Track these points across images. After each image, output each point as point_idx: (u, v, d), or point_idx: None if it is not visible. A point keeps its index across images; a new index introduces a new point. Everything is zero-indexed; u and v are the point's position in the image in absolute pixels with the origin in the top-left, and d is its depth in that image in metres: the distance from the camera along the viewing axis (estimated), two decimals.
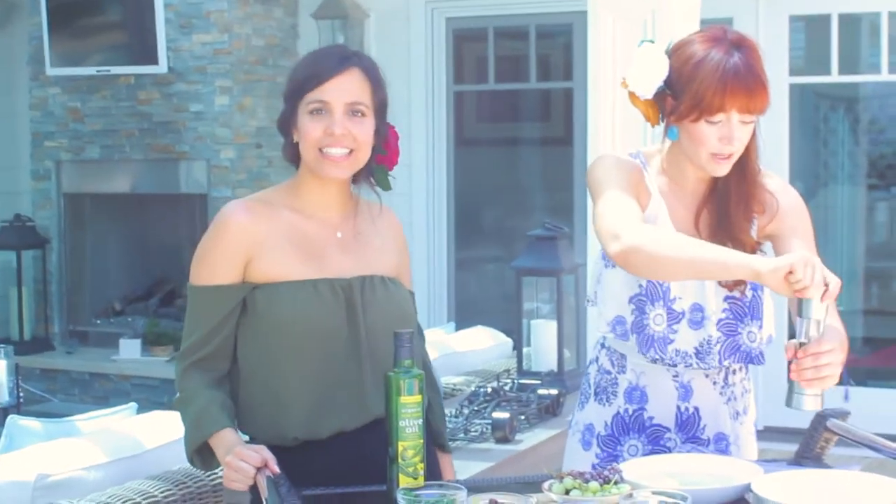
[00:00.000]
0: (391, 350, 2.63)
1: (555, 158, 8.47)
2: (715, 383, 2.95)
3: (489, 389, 4.54)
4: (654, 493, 2.28)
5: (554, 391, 4.56)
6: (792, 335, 2.56)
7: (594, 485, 2.41)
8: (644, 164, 2.95)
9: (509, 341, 6.05)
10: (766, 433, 7.35)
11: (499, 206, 8.67)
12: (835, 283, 2.49)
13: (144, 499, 3.40)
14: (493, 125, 8.85)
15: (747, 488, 2.47)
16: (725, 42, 2.76)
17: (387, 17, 8.17)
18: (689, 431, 2.95)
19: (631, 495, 2.29)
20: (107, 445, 3.68)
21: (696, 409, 2.94)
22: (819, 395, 2.57)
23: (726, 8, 7.24)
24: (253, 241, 2.78)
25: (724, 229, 2.86)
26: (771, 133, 7.39)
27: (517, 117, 8.93)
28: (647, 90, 2.86)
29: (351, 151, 2.79)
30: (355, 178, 2.89)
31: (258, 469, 2.60)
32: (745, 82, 2.72)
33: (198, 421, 2.77)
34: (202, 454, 2.78)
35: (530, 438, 4.19)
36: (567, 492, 2.41)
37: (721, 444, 2.96)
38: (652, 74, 2.85)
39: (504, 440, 4.03)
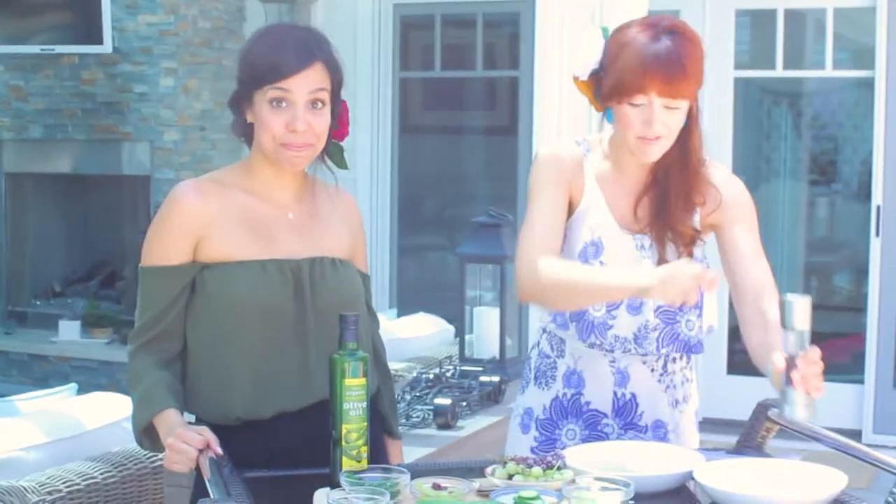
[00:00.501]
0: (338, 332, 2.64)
1: (500, 147, 8.47)
2: (653, 370, 2.97)
3: (431, 376, 4.55)
4: (596, 479, 2.29)
5: (496, 378, 4.58)
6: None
7: (537, 470, 2.42)
8: (587, 152, 2.97)
9: (451, 328, 6.05)
10: (703, 424, 7.41)
11: (443, 193, 8.67)
12: (709, 278, 2.56)
13: (83, 480, 3.37)
14: (438, 113, 8.84)
15: (689, 476, 2.50)
16: (658, 28, 2.78)
17: (334, 2, 8.13)
18: (626, 417, 2.97)
19: (573, 481, 2.31)
20: (46, 426, 3.65)
21: (633, 395, 2.96)
22: (814, 401, 2.57)
23: (672, 1, 7.27)
24: (203, 221, 2.77)
25: (661, 219, 2.88)
26: (715, 126, 7.49)
27: (463, 105, 8.92)
28: (583, 71, 2.90)
29: (311, 144, 2.78)
30: None
31: (200, 450, 2.59)
32: (664, 65, 2.73)
33: (143, 401, 2.76)
34: (150, 435, 2.77)
35: (472, 425, 4.20)
36: (510, 477, 2.42)
37: (659, 432, 2.98)
38: (588, 56, 2.89)
39: (446, 426, 4.03)
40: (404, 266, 8.42)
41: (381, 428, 3.00)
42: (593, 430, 2.97)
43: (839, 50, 7.45)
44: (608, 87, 2.82)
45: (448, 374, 4.65)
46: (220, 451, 2.58)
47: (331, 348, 2.68)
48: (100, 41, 7.99)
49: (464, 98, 8.89)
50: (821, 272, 8.30)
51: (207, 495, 2.46)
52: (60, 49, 8.22)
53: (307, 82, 2.74)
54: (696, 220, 2.91)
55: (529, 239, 2.87)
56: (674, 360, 2.99)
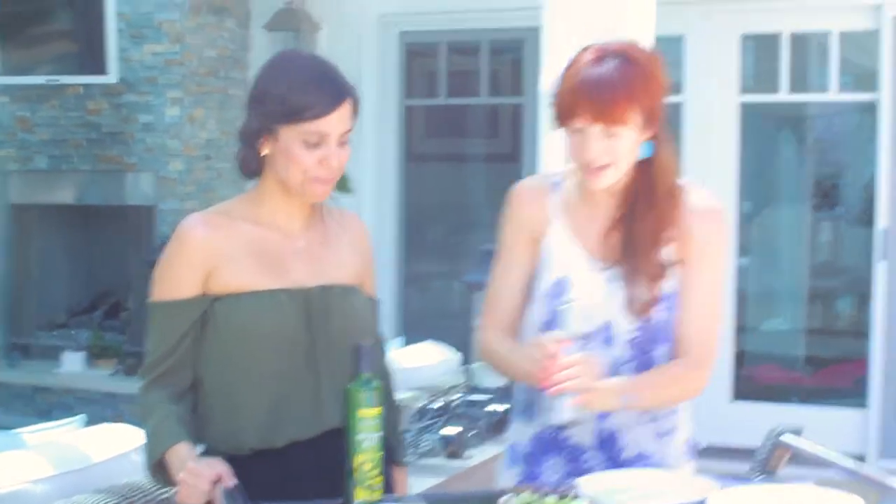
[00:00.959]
0: (349, 360, 2.63)
1: (504, 174, 8.46)
2: None
3: (438, 405, 4.53)
4: None
5: (502, 407, 4.55)
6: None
7: (551, 499, 2.41)
8: (557, 185, 2.93)
9: (458, 356, 6.03)
10: (708, 451, 7.38)
11: (448, 221, 8.67)
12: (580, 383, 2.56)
13: None
14: (443, 140, 8.84)
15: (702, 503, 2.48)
16: (606, 51, 2.73)
17: (339, 30, 8.14)
18: (609, 451, 2.91)
19: None
20: (53, 458, 3.64)
21: (615, 429, 2.90)
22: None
23: (678, 26, 7.28)
24: (212, 254, 2.77)
25: (627, 256, 2.83)
26: (720, 150, 7.49)
27: (467, 132, 8.93)
28: (549, 94, 2.85)
29: (335, 177, 2.80)
30: None
31: (213, 483, 2.58)
32: (597, 90, 2.67)
33: (155, 436, 2.76)
34: (162, 469, 2.76)
35: (480, 454, 4.19)
36: None
37: (644, 465, 2.90)
38: (552, 78, 2.85)
39: (455, 456, 4.02)
40: (410, 294, 8.41)
41: (386, 456, 2.99)
42: (575, 464, 2.91)
43: (843, 73, 7.44)
44: (553, 111, 2.79)
45: (455, 404, 4.63)
46: (232, 482, 2.57)
47: (342, 376, 2.68)
48: (105, 71, 7.99)
49: (468, 125, 8.90)
50: (825, 297, 8.28)
51: None
52: (66, 80, 8.22)
53: (340, 122, 2.75)
54: (668, 254, 2.84)
55: (487, 306, 2.95)
56: None
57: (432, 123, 8.76)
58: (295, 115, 2.73)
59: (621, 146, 2.73)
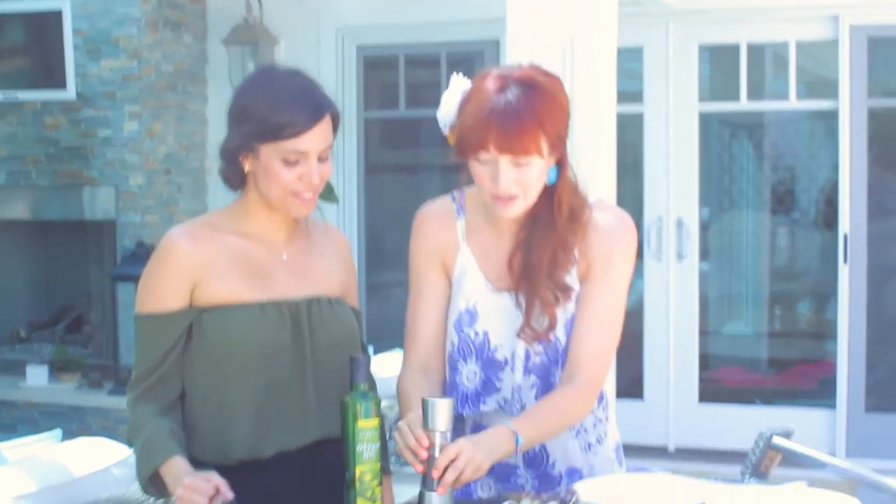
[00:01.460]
0: (336, 371, 2.71)
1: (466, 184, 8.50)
2: None
3: None
4: None
5: None
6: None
7: None
8: (460, 210, 2.91)
9: None
10: (676, 453, 7.46)
11: (409, 231, 8.66)
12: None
13: None
14: (402, 151, 8.85)
15: None
16: (509, 79, 2.68)
17: (297, 44, 8.15)
18: (538, 468, 2.89)
19: None
20: (35, 474, 3.63)
21: (543, 446, 2.86)
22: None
23: (637, 37, 7.32)
24: (198, 266, 2.77)
25: (526, 282, 2.79)
26: (681, 160, 7.55)
27: (427, 144, 8.94)
28: (443, 123, 2.82)
29: (316, 191, 2.82)
30: None
31: (212, 497, 2.58)
32: (503, 121, 2.62)
33: (147, 450, 2.75)
34: (156, 483, 2.75)
35: None
36: None
37: (574, 478, 2.87)
38: (447, 107, 2.81)
39: None
40: (374, 304, 8.41)
41: None
42: (506, 483, 2.88)
43: (800, 82, 7.52)
44: (455, 141, 2.74)
45: None
46: (230, 495, 2.57)
47: (328, 387, 2.73)
48: (63, 86, 7.95)
49: (427, 136, 8.91)
50: (784, 300, 8.36)
51: None
52: (23, 95, 8.18)
53: (319, 139, 2.76)
54: (571, 277, 2.81)
55: (407, 340, 2.91)
56: None
57: (391, 135, 8.77)
58: (272, 134, 2.74)
59: (530, 175, 2.69)
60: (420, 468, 2.51)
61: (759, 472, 2.91)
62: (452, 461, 2.50)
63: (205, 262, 2.77)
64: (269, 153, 2.75)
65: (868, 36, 7.26)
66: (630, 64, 7.23)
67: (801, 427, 3.04)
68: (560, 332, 2.79)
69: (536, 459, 2.87)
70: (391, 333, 7.92)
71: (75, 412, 7.89)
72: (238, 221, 2.87)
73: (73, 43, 7.94)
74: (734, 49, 7.56)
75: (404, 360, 2.93)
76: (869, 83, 7.29)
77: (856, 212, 7.29)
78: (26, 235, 8.88)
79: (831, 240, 7.49)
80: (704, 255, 7.82)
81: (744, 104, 7.66)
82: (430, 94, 8.50)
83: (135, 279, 7.50)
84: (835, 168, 7.42)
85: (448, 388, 2.88)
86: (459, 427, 2.84)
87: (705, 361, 7.76)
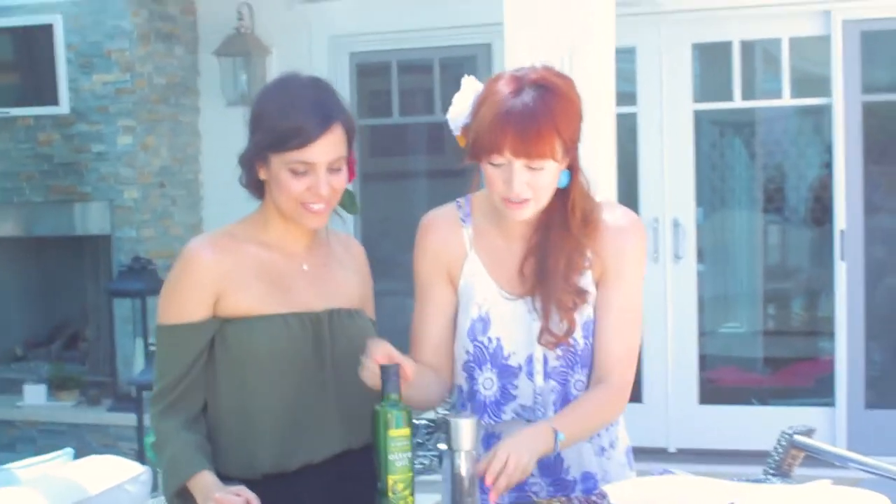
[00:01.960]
0: (357, 382, 2.67)
1: (461, 191, 8.49)
2: None
3: (427, 421, 4.53)
4: None
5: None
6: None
7: None
8: (466, 217, 2.89)
9: None
10: (677, 455, 7.46)
11: (406, 239, 8.65)
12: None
13: None
14: (397, 158, 8.84)
15: None
16: (522, 81, 2.65)
17: (289, 54, 8.11)
18: (554, 475, 2.88)
19: None
20: (49, 494, 3.60)
21: (558, 452, 2.79)
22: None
23: (630, 38, 7.32)
24: (221, 277, 2.76)
25: (542, 286, 2.77)
26: (676, 160, 7.55)
27: (421, 150, 8.94)
28: (454, 124, 2.81)
29: (329, 203, 2.80)
30: None
31: None
32: (519, 124, 2.59)
33: (173, 465, 2.73)
34: (183, 498, 2.74)
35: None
36: None
37: (589, 483, 2.87)
38: (459, 108, 2.79)
39: None
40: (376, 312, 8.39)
41: None
42: (520, 492, 2.86)
43: (792, 79, 7.52)
44: (469, 144, 2.72)
45: (441, 419, 4.62)
46: None
47: (350, 398, 2.73)
48: (55, 102, 7.92)
49: (422, 143, 8.91)
50: (778, 299, 8.37)
51: None
52: (16, 112, 8.14)
53: (327, 150, 2.74)
54: (586, 281, 2.80)
55: (412, 348, 2.88)
56: None
57: (386, 142, 8.76)
58: (280, 144, 2.73)
59: (544, 179, 2.67)
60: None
61: (782, 471, 2.91)
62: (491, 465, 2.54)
63: (228, 273, 2.76)
64: (279, 163, 2.75)
65: (861, 31, 7.27)
66: (622, 65, 7.23)
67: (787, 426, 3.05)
68: (578, 336, 2.79)
69: (551, 466, 2.86)
70: (393, 342, 7.96)
71: (74, 430, 7.87)
72: (258, 231, 2.86)
73: (66, 57, 7.91)
74: (726, 47, 7.57)
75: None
76: (863, 78, 7.29)
77: (852, 208, 7.30)
78: (20, 252, 8.83)
79: (828, 237, 7.49)
80: (700, 255, 7.82)
81: (738, 103, 7.66)
82: (423, 100, 8.50)
83: (131, 294, 7.59)
84: (830, 165, 7.42)
85: (467, 397, 2.87)
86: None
87: (703, 362, 7.77)
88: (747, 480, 2.82)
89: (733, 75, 7.56)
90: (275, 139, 2.74)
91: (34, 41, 7.98)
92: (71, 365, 8.47)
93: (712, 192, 8.17)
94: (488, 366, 2.82)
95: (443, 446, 4.07)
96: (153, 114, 8.13)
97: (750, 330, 8.26)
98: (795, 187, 8.23)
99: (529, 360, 2.81)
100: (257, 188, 2.86)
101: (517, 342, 2.81)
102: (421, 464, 4.06)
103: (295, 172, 2.74)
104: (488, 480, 2.53)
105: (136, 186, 8.05)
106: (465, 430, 2.52)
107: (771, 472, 2.91)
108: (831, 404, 7.39)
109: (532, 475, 2.83)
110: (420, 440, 4.32)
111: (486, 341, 2.81)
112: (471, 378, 2.85)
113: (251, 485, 2.67)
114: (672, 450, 7.52)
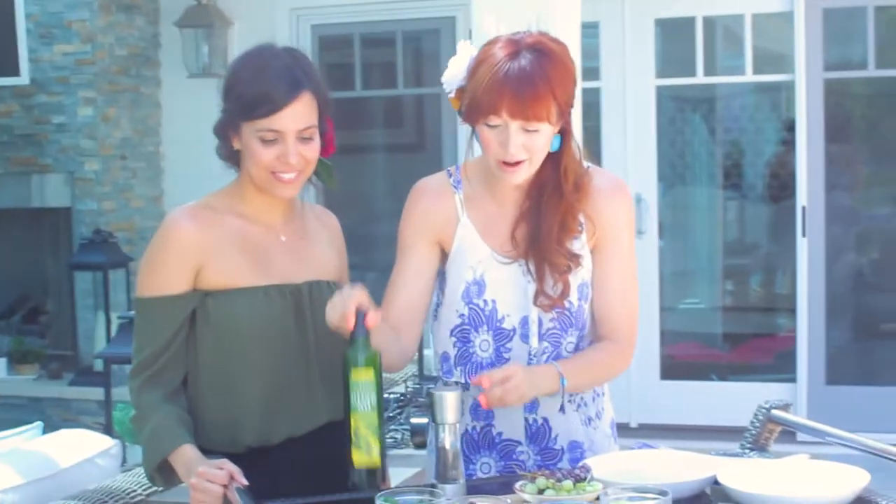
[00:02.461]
0: (339, 354, 2.67)
1: (421, 164, 8.48)
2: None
3: (398, 395, 4.53)
4: (633, 488, 2.30)
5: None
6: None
7: (567, 484, 2.43)
8: (458, 183, 2.91)
9: None
10: (639, 430, 7.50)
11: (370, 213, 8.65)
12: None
13: None
14: (360, 132, 8.81)
15: (711, 480, 2.52)
16: (519, 44, 2.69)
17: (251, 26, 8.07)
18: (541, 443, 2.90)
19: (607, 493, 2.30)
20: (21, 466, 3.60)
21: (545, 419, 2.89)
22: None
23: (593, 12, 7.31)
24: (202, 249, 2.75)
25: (536, 250, 2.82)
26: (639, 135, 7.58)
27: (384, 124, 8.93)
28: (449, 86, 2.83)
29: (300, 171, 2.78)
30: None
31: (226, 484, 2.56)
32: (516, 86, 2.64)
33: (154, 438, 2.72)
34: (163, 471, 2.73)
35: None
36: (540, 492, 2.42)
37: (576, 452, 2.91)
38: (454, 71, 2.81)
39: (423, 445, 4.00)
40: None
41: None
42: (508, 460, 2.90)
43: (756, 56, 7.55)
44: (465, 105, 2.75)
45: (411, 393, 4.62)
46: (245, 481, 2.55)
47: (332, 370, 2.72)
48: (16, 73, 7.83)
49: (385, 117, 8.90)
50: (736, 275, 8.42)
51: None
52: None
53: (296, 118, 2.73)
54: (579, 244, 2.84)
55: (383, 308, 2.85)
56: None
57: (348, 116, 8.73)
58: (249, 112, 2.73)
59: (538, 141, 2.71)
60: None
61: (759, 445, 2.93)
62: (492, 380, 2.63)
63: (208, 245, 2.75)
64: (249, 132, 2.74)
65: (823, 8, 7.30)
66: (585, 40, 7.22)
67: (762, 402, 3.08)
68: (573, 298, 2.83)
69: (539, 433, 2.89)
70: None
71: (35, 404, 7.79)
72: (235, 203, 2.85)
73: (26, 28, 7.82)
74: (689, 23, 7.59)
75: None
76: (825, 55, 7.33)
77: (813, 184, 7.34)
78: None
79: (788, 213, 7.54)
80: (660, 231, 7.85)
81: (700, 78, 7.68)
82: (386, 73, 8.48)
83: (92, 267, 7.53)
84: (791, 142, 7.46)
85: (456, 362, 2.89)
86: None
87: (664, 338, 7.81)
88: (724, 455, 2.84)
89: (696, 51, 7.58)
90: (244, 107, 2.73)
91: None
92: (31, 338, 8.38)
93: (672, 168, 8.19)
94: (484, 328, 2.84)
95: (415, 420, 4.11)
96: (114, 85, 8.06)
97: (710, 306, 8.30)
98: (754, 164, 8.27)
99: (524, 322, 2.84)
100: (234, 159, 2.84)
101: (511, 305, 2.84)
102: (392, 438, 4.06)
103: (264, 141, 2.73)
104: (486, 383, 2.61)
105: (97, 158, 7.98)
106: (450, 403, 2.54)
107: (748, 446, 2.93)
108: (792, 380, 7.45)
109: (520, 443, 2.89)
110: (391, 414, 4.32)
111: (481, 304, 2.83)
112: (464, 341, 2.87)
113: (233, 458, 2.66)
114: (634, 425, 7.56)
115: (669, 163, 8.00)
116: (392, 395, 4.53)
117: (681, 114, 8.24)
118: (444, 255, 2.90)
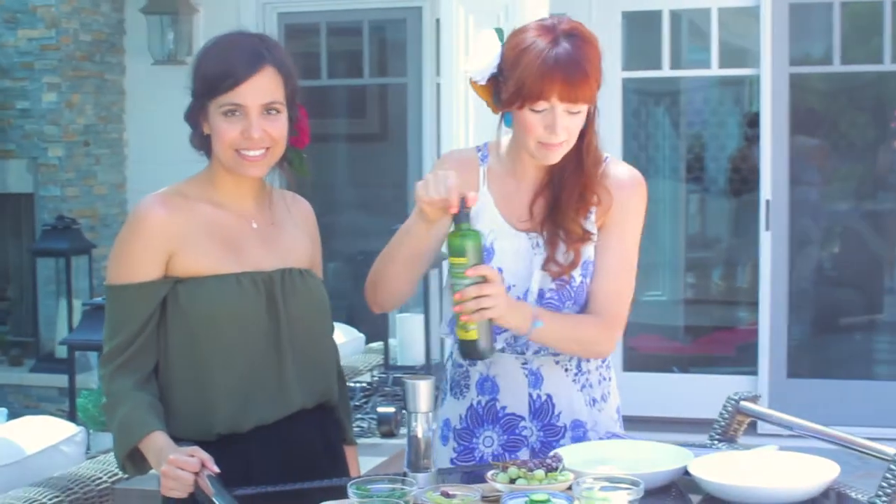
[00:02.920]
0: (310, 342, 2.76)
1: (384, 153, 8.49)
2: (567, 370, 2.96)
3: (364, 385, 4.53)
4: (605, 478, 2.30)
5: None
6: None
7: (539, 473, 2.43)
8: (484, 157, 2.99)
9: (362, 336, 6.04)
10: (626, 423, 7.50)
11: (331, 201, 8.64)
12: (455, 194, 2.63)
13: None
14: (325, 121, 8.80)
15: (682, 471, 2.53)
16: (555, 31, 2.77)
17: (217, 13, 8.05)
18: (544, 419, 2.95)
19: (579, 482, 2.31)
20: None
21: (549, 396, 2.94)
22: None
23: (560, 4, 7.30)
24: (173, 236, 2.73)
25: (552, 218, 2.89)
26: (604, 127, 7.57)
27: (349, 114, 8.92)
28: (481, 75, 2.88)
29: (267, 149, 2.76)
30: None
31: (196, 473, 2.55)
32: (564, 70, 2.72)
33: (125, 426, 2.70)
34: (133, 459, 2.72)
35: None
36: (512, 481, 2.42)
37: (578, 431, 2.96)
38: (485, 60, 2.87)
39: (390, 434, 4.02)
40: None
41: (339, 436, 3.00)
42: (511, 435, 2.95)
43: (722, 50, 7.58)
44: (508, 92, 2.80)
45: (375, 382, 4.62)
46: (216, 469, 2.54)
47: (304, 358, 2.74)
48: None
49: (351, 106, 8.89)
50: (698, 268, 8.46)
51: None
52: None
53: (258, 90, 2.71)
54: (592, 220, 2.91)
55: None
56: (588, 359, 3.00)
57: (314, 105, 8.71)
58: (213, 89, 2.72)
59: (578, 122, 2.80)
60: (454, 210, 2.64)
61: (727, 437, 2.94)
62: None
63: (180, 232, 2.73)
64: (214, 110, 2.73)
65: (789, 3, 7.34)
66: None
67: (725, 394, 3.10)
68: (576, 272, 2.89)
69: (543, 410, 2.94)
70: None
71: None
72: (207, 190, 2.83)
73: None
74: (656, 16, 7.61)
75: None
76: (790, 50, 7.37)
77: (777, 178, 7.38)
78: None
79: (750, 207, 7.58)
80: None
81: (666, 72, 7.71)
82: (352, 63, 8.47)
83: (55, 254, 7.49)
84: (755, 136, 7.50)
85: None
86: (462, 373, 3.01)
87: (626, 330, 7.81)
88: (692, 446, 2.84)
89: (663, 44, 7.60)
90: (208, 85, 2.73)
91: None
92: None
93: (635, 161, 8.21)
94: None
95: (381, 409, 4.10)
96: (78, 71, 8.02)
97: (672, 298, 8.34)
98: (717, 157, 8.31)
99: (525, 294, 2.88)
100: (206, 147, 2.83)
101: (517, 275, 2.89)
102: (359, 427, 4.06)
103: (227, 116, 2.72)
104: (456, 307, 2.68)
105: (61, 144, 7.94)
106: (422, 391, 2.54)
107: (717, 437, 2.94)
108: (754, 373, 7.48)
109: (523, 418, 2.94)
110: (357, 403, 4.32)
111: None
112: None
113: (205, 445, 2.64)
114: (621, 417, 7.56)
115: (633, 156, 8.01)
116: (358, 385, 4.52)
117: (644, 107, 8.27)
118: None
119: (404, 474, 2.53)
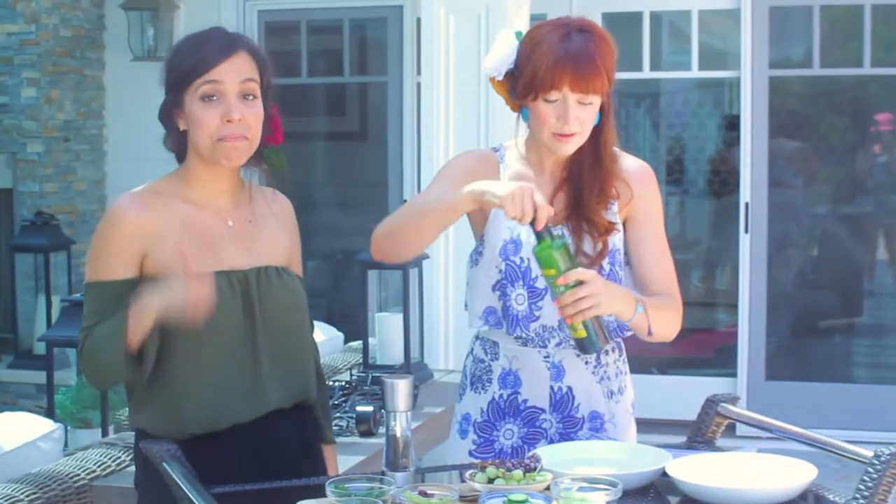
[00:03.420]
0: (286, 341, 2.76)
1: (365, 152, 8.48)
2: (587, 363, 3.03)
3: (343, 383, 4.52)
4: (583, 479, 2.31)
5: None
6: None
7: (517, 473, 2.43)
8: (502, 158, 3.08)
9: (341, 335, 6.03)
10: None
11: (312, 200, 8.64)
12: (545, 212, 2.63)
13: (9, 502, 3.29)
14: (305, 119, 8.79)
15: (660, 472, 2.53)
16: (570, 27, 2.89)
17: (197, 9, 8.05)
18: (564, 411, 3.02)
19: (557, 482, 2.31)
20: None
21: (570, 388, 3.02)
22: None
23: (541, 4, 7.33)
24: (149, 234, 2.72)
25: (576, 211, 2.98)
26: None
27: (329, 112, 8.90)
28: (498, 70, 2.99)
29: (246, 138, 2.75)
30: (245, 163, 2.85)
31: (163, 460, 2.55)
32: (575, 61, 2.83)
33: (104, 336, 2.67)
34: (131, 361, 2.68)
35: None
36: (490, 481, 2.42)
37: (596, 423, 3.04)
38: (502, 56, 2.98)
39: (368, 433, 4.00)
40: None
41: (317, 435, 3.00)
42: (531, 427, 3.03)
43: (702, 52, 7.60)
44: (523, 84, 2.91)
45: (354, 381, 4.61)
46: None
47: (280, 357, 2.72)
48: None
49: (331, 104, 8.87)
50: (679, 269, 8.43)
51: None
52: None
53: (235, 71, 2.71)
54: (614, 211, 3.00)
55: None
56: (607, 352, 3.06)
57: (293, 103, 8.71)
58: (188, 77, 2.71)
59: (590, 114, 2.91)
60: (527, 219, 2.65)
61: (706, 439, 2.94)
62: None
63: (154, 232, 2.72)
64: (191, 98, 2.72)
65: (769, 6, 7.36)
66: None
67: (704, 396, 3.12)
68: (605, 262, 2.97)
69: (563, 402, 3.02)
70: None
71: None
72: (182, 188, 2.82)
73: None
74: (636, 18, 7.62)
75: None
76: (770, 53, 7.39)
77: (756, 181, 7.40)
78: None
79: (730, 209, 7.59)
80: None
81: (646, 73, 7.72)
82: (332, 61, 8.46)
83: (33, 250, 7.47)
84: (735, 139, 7.51)
85: (502, 315, 3.02)
86: (484, 368, 3.09)
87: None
88: (671, 447, 2.85)
89: (643, 46, 7.61)
90: (182, 74, 2.72)
91: None
92: None
93: None
94: (520, 283, 2.98)
95: (360, 408, 4.09)
96: (58, 66, 8.00)
97: None
98: (696, 159, 8.32)
99: None
100: (177, 145, 2.82)
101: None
102: (337, 426, 4.04)
103: (205, 100, 2.71)
104: (559, 312, 2.71)
105: (40, 140, 7.93)
106: (401, 391, 2.55)
107: (695, 439, 2.95)
108: (732, 375, 7.50)
109: (544, 410, 3.03)
110: (336, 402, 4.30)
111: (517, 261, 2.98)
112: (504, 295, 3.00)
113: (180, 444, 2.64)
114: (634, 412, 7.57)
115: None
116: (337, 384, 4.51)
117: (624, 108, 8.28)
118: (482, 217, 3.03)
119: (382, 473, 2.53)
